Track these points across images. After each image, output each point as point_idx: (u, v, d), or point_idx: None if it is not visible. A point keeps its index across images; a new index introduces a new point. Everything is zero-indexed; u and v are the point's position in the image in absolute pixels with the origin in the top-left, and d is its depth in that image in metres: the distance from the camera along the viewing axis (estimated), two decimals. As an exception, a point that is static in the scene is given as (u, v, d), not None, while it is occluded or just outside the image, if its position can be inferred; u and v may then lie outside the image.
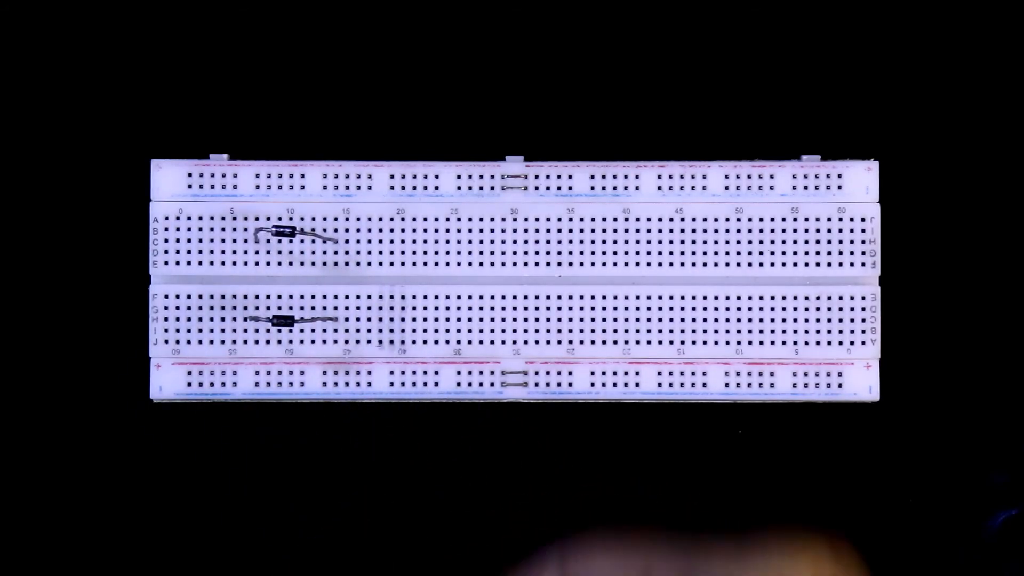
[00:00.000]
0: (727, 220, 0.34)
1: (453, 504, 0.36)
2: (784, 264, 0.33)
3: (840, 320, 0.33)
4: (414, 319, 0.34)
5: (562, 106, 0.36)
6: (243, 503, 0.36)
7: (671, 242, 0.34)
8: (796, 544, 0.21)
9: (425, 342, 0.34)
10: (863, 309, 0.33)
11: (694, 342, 0.34)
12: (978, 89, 0.37)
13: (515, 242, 0.34)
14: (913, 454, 0.36)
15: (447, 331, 0.34)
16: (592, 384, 0.34)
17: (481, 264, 0.34)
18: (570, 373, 0.34)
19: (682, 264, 0.34)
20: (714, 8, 0.37)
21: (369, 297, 0.33)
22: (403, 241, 0.34)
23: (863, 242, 0.33)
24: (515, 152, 0.34)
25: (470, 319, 0.34)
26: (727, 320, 0.34)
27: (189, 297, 0.33)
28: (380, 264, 0.34)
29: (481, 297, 0.34)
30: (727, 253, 0.34)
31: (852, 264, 0.33)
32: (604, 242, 0.34)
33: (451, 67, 0.36)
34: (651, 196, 0.34)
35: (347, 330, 0.33)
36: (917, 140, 0.36)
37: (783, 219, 0.33)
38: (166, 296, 0.33)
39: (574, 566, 0.20)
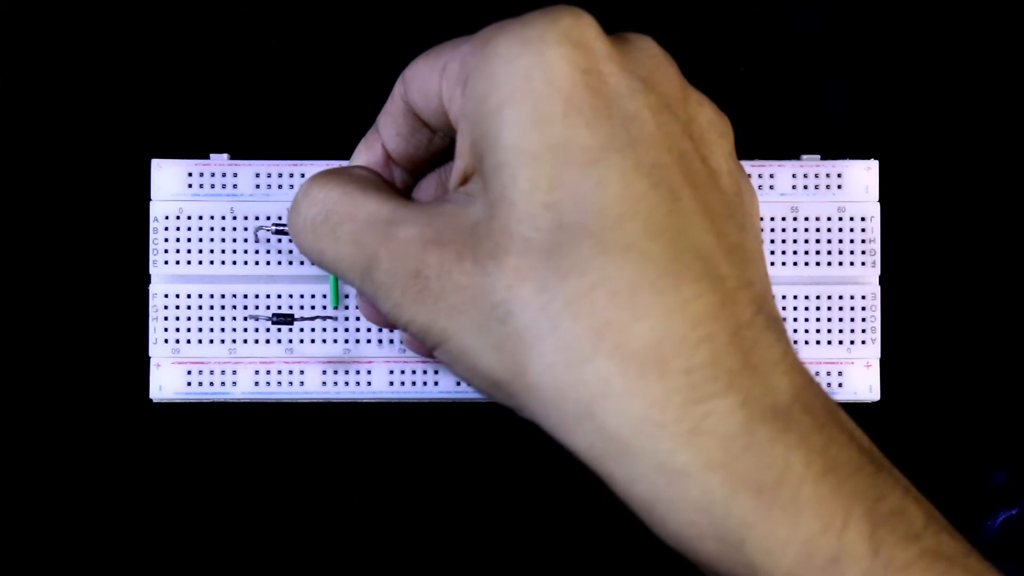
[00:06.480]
0: (727, 220, 0.33)
1: (453, 504, 0.36)
2: (784, 263, 0.33)
3: (840, 320, 0.33)
4: (414, 319, 0.33)
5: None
6: (243, 503, 0.36)
7: (671, 242, 0.34)
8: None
9: (425, 342, 0.34)
10: (863, 309, 0.33)
11: (694, 342, 0.33)
12: (977, 89, 0.37)
13: (515, 242, 0.34)
14: (913, 454, 0.36)
15: (447, 331, 0.34)
16: (592, 384, 0.34)
17: (481, 264, 0.34)
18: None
19: (682, 264, 0.34)
20: (714, 7, 0.37)
21: (369, 297, 0.33)
22: (403, 241, 0.34)
23: (863, 242, 0.33)
24: (515, 152, 0.34)
25: (470, 319, 0.34)
26: (727, 320, 0.33)
27: (189, 297, 0.33)
28: (380, 264, 0.34)
29: (481, 297, 0.34)
30: (727, 253, 0.34)
31: (852, 264, 0.33)
32: (604, 242, 0.34)
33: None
34: (651, 196, 0.34)
35: (347, 330, 0.33)
36: (917, 140, 0.37)
37: (783, 218, 0.33)
38: (166, 296, 0.33)
39: (408, 75, 0.26)
